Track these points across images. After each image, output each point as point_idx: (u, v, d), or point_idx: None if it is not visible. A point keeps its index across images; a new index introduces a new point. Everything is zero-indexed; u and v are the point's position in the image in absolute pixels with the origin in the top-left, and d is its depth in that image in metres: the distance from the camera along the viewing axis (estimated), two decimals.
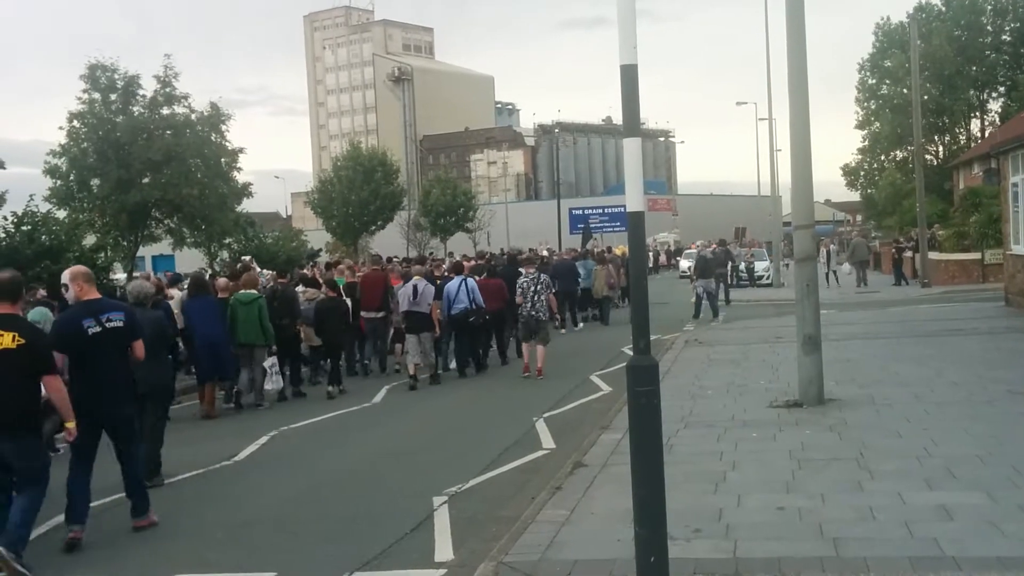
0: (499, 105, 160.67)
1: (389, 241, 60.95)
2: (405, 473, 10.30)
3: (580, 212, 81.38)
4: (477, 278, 18.43)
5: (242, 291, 15.08)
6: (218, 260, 35.69)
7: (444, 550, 7.38)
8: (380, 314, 17.99)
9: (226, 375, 14.90)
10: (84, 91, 29.63)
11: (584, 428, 11.76)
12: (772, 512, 7.40)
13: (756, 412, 11.63)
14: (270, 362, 15.12)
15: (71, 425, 7.65)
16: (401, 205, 62.54)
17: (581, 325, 25.99)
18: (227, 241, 34.90)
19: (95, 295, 8.41)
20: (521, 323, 17.67)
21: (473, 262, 22.75)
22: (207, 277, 18.09)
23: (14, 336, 7.34)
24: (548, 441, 11.38)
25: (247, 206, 35.39)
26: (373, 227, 58.62)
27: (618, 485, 8.26)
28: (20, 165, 33.69)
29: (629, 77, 5.53)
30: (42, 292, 14.35)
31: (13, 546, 7.07)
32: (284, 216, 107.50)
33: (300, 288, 17.67)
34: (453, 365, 18.09)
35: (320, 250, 45.88)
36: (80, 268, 8.81)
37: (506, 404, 14.45)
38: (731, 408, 11.99)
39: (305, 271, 23.62)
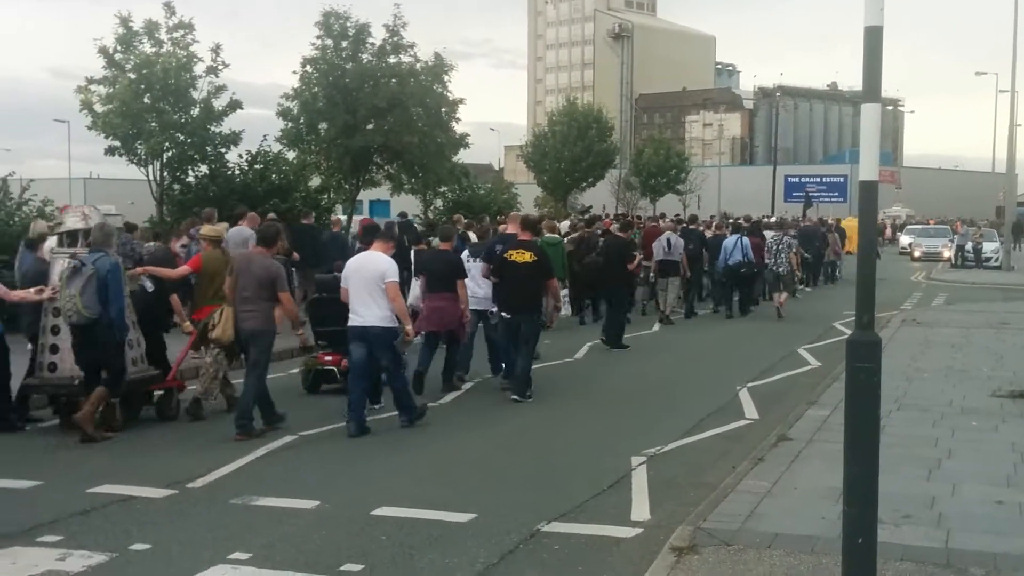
0: (719, 66, 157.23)
1: (598, 199, 60.86)
2: (604, 430, 10.35)
3: (796, 180, 78.98)
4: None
5: (548, 235, 17.14)
6: (432, 208, 36.58)
7: (641, 510, 7.39)
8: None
9: None
10: (317, 38, 30.75)
11: (789, 401, 11.47)
12: (990, 505, 7.01)
13: (976, 400, 11.02)
14: (564, 293, 17.39)
15: (559, 305, 13.29)
16: (613, 163, 62.26)
17: (808, 289, 26.84)
18: (442, 189, 35.67)
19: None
20: (766, 275, 21.42)
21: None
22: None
23: (531, 255, 11.69)
24: (751, 411, 11.18)
25: (462, 156, 35.99)
26: (584, 184, 58.64)
27: (823, 462, 8.04)
28: (256, 107, 35.32)
29: (873, 39, 5.25)
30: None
31: (520, 387, 11.63)
32: (496, 168, 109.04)
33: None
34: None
35: (587, 208, 45.92)
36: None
37: (710, 370, 14.28)
38: (949, 393, 11.40)
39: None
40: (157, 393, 10.68)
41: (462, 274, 12.00)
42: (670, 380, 13.58)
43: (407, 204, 39.27)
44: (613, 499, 7.68)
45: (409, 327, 10.22)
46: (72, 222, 10.31)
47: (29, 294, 10.03)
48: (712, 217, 31.58)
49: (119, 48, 24.14)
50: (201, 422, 10.41)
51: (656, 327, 18.99)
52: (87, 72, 24.46)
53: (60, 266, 9.89)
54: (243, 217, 16.00)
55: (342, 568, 6.06)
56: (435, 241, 14.96)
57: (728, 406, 11.47)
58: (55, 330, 9.94)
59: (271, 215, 18.55)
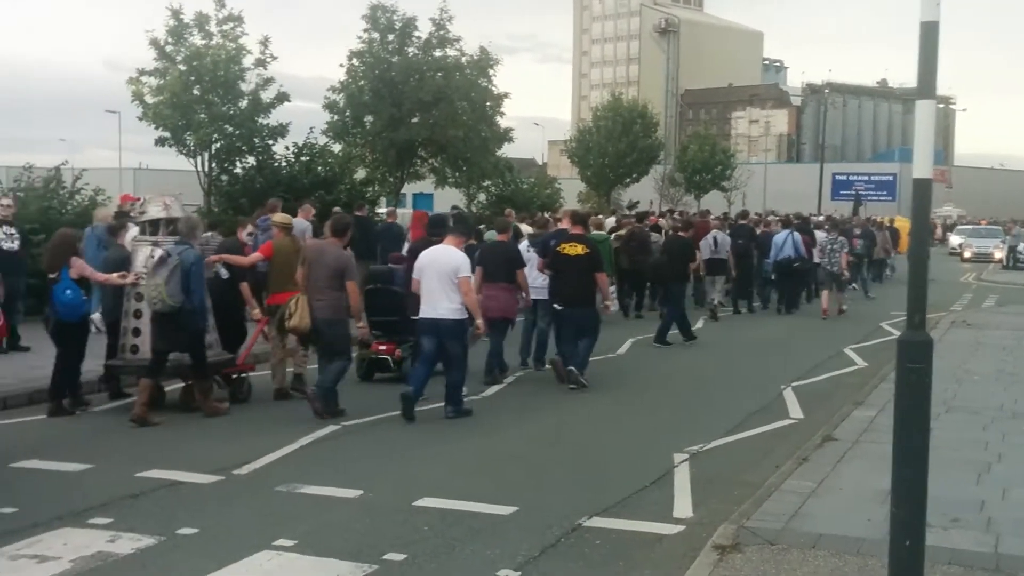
0: (766, 62, 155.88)
1: (642, 195, 60.60)
2: (646, 426, 10.33)
3: (844, 178, 78.07)
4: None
5: (594, 232, 17.12)
6: (476, 202, 36.62)
7: (683, 507, 7.36)
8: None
9: None
10: (364, 31, 30.92)
11: (835, 401, 11.37)
12: None
13: None
14: (611, 290, 17.57)
15: (608, 303, 13.42)
16: (657, 159, 61.96)
17: (855, 287, 25.50)
18: (486, 184, 35.71)
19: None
20: (819, 273, 21.51)
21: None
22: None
23: (583, 247, 12.00)
24: (796, 411, 11.09)
25: (506, 151, 36.02)
26: (628, 179, 58.40)
27: (869, 463, 7.97)
28: (303, 99, 35.70)
29: (929, 35, 5.18)
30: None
31: (580, 368, 11.96)
32: (540, 163, 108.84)
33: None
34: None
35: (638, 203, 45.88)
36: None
37: (755, 368, 14.18)
38: (1000, 396, 11.23)
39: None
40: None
41: (521, 264, 12.32)
42: (714, 377, 13.51)
43: (451, 198, 39.34)
44: (655, 495, 7.66)
45: (480, 321, 10.43)
46: (154, 211, 10.77)
47: (113, 278, 10.40)
48: (759, 215, 31.37)
49: (170, 40, 24.43)
50: (248, 412, 10.55)
51: (701, 323, 18.88)
52: (139, 64, 24.86)
53: (142, 253, 10.40)
54: (299, 209, 16.55)
55: (385, 557, 6.09)
56: (487, 234, 15.05)
57: (772, 405, 11.39)
58: (137, 314, 10.39)
59: (336, 208, 18.86)
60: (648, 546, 6.49)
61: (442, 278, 10.06)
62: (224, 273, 11.02)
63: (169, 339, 9.91)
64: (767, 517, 6.65)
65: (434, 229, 11.62)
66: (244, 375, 11.19)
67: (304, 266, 10.25)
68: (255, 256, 11.46)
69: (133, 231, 11.81)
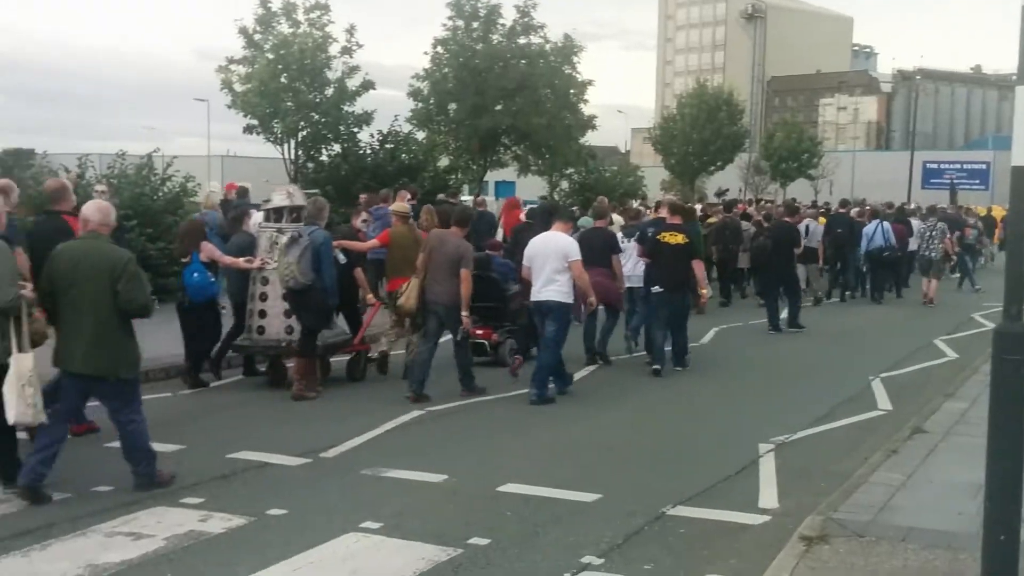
0: (856, 48, 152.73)
1: (726, 183, 59.88)
2: (731, 415, 10.24)
3: (935, 166, 76.04)
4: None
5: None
6: (558, 190, 36.62)
7: (768, 497, 7.28)
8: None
9: None
10: (449, 18, 31.08)
11: (925, 393, 11.15)
12: None
13: None
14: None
15: (704, 291, 13.21)
16: (743, 147, 61.22)
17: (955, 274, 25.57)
18: (568, 171, 35.65)
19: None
20: (917, 260, 21.78)
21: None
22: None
23: (683, 236, 12.25)
24: (884, 402, 10.89)
25: (589, 138, 35.91)
26: (712, 167, 57.82)
27: (960, 456, 7.81)
28: (387, 88, 35.96)
29: None
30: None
31: (682, 360, 12.55)
32: (622, 151, 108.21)
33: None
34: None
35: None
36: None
37: (842, 358, 13.97)
38: None
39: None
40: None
41: (617, 249, 12.72)
42: (801, 367, 13.34)
43: (533, 185, 39.37)
44: (740, 485, 7.59)
45: (592, 298, 10.90)
46: (278, 200, 11.41)
47: (239, 262, 10.91)
48: (848, 204, 30.89)
49: (258, 28, 24.89)
50: (335, 396, 10.70)
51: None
52: (228, 52, 25.32)
53: (267, 238, 10.99)
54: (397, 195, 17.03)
55: (469, 541, 6.14)
56: (582, 219, 15.12)
57: (860, 396, 11.20)
58: (263, 297, 10.91)
59: (441, 196, 19.18)
60: (733, 535, 6.44)
61: (552, 262, 10.48)
62: (342, 258, 11.38)
63: (301, 316, 10.40)
64: (855, 509, 6.55)
65: (544, 220, 12.11)
66: (360, 354, 11.57)
67: (425, 252, 10.58)
68: (372, 242, 12.10)
69: (257, 217, 12.40)
